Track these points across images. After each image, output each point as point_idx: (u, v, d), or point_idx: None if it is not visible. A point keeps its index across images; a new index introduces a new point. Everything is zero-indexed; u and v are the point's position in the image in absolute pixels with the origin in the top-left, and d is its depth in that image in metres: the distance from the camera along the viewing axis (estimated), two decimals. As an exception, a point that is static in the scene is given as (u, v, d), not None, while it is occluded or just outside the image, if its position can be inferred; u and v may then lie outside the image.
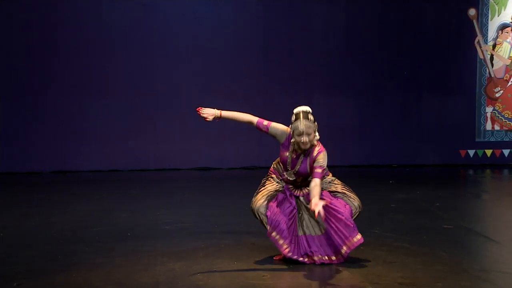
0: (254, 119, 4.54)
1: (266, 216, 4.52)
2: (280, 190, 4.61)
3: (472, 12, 10.62)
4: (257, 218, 4.59)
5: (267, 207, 4.53)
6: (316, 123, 4.47)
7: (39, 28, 9.69)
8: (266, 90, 10.14)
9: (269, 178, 4.69)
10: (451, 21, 10.61)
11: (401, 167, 10.44)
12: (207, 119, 4.51)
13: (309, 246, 4.47)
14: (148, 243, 5.04)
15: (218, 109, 4.57)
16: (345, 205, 4.52)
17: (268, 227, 4.50)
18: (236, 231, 5.50)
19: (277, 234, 4.46)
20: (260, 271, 4.26)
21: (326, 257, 4.45)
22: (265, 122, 4.53)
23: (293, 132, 4.42)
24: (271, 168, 4.75)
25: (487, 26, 10.69)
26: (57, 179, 9.26)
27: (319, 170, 4.39)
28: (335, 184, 4.65)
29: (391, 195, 7.49)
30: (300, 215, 4.55)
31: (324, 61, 10.39)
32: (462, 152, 10.75)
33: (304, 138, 4.37)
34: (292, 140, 4.45)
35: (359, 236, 4.43)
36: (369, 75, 10.50)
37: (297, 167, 4.49)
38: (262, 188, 4.63)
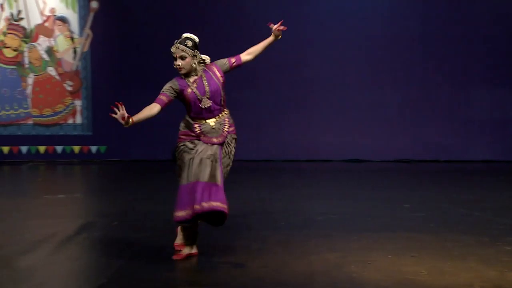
0: (157, 108, 4.28)
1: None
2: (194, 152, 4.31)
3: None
4: None
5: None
6: (196, 50, 4.30)
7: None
8: (424, 83, 9.91)
9: (183, 148, 4.36)
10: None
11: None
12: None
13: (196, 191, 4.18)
14: (301, 233, 5.09)
15: None
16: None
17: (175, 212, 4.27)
18: (390, 224, 5.39)
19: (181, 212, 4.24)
20: (416, 266, 4.14)
21: (214, 204, 4.16)
22: (162, 97, 4.29)
23: None
24: (180, 135, 4.42)
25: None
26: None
27: (230, 58, 4.42)
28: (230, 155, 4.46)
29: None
30: (192, 160, 4.26)
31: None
32: None
33: (177, 62, 4.28)
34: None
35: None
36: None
37: (207, 88, 4.32)
38: (182, 164, 4.34)
